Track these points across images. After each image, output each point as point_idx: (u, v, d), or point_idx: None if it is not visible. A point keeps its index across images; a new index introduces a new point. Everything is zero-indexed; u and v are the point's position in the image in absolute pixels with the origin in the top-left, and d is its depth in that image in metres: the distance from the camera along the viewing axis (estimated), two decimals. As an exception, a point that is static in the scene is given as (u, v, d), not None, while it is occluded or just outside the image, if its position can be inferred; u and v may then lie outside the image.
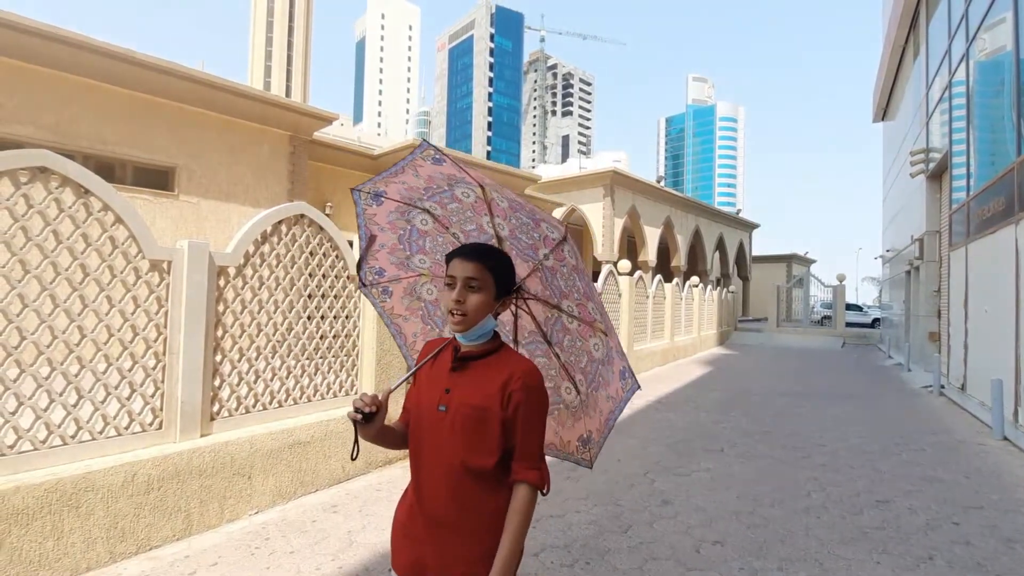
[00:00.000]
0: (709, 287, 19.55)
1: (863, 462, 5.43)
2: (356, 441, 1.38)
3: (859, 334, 23.10)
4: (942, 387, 9.88)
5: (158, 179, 10.14)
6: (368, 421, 1.36)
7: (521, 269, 1.64)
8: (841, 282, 22.63)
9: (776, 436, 6.46)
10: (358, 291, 4.75)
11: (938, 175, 11.81)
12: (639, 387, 1.61)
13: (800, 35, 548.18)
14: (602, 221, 21.40)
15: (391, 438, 1.48)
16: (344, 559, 3.18)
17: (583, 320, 1.64)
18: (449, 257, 1.42)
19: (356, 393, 4.77)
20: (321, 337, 4.44)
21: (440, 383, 1.42)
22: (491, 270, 1.39)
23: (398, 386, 1.51)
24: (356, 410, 1.35)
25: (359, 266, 1.78)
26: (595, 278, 10.31)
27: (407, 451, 1.48)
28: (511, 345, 1.65)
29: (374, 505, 3.97)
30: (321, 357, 4.42)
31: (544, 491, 1.38)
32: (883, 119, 19.92)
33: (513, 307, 1.73)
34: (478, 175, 1.51)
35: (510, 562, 1.29)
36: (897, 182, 16.91)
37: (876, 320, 27.68)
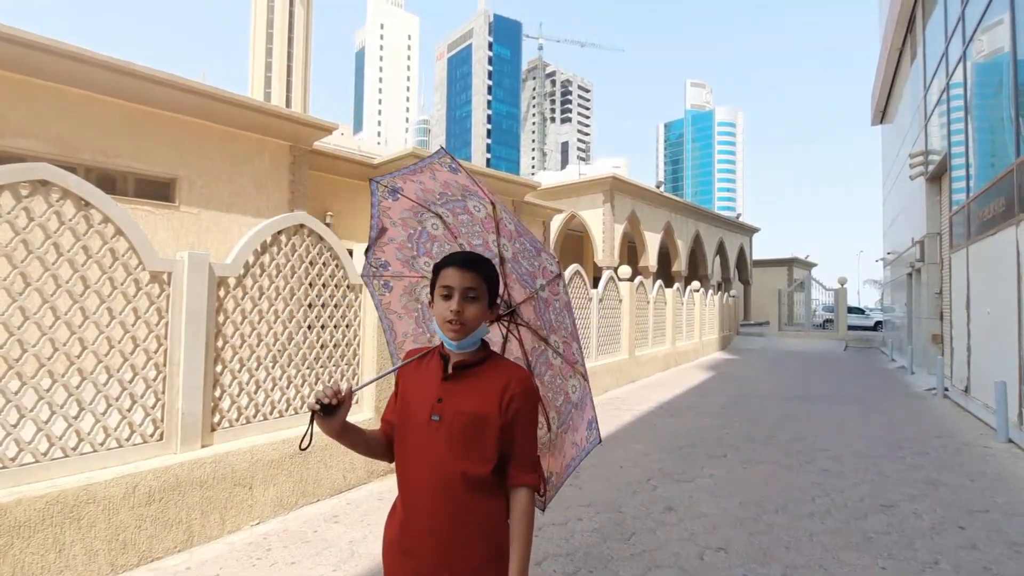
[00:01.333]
0: (710, 292, 19.53)
1: (867, 466, 5.40)
2: (310, 430, 1.36)
3: (861, 337, 23.08)
4: (945, 390, 9.84)
5: (159, 190, 10.19)
6: (328, 414, 1.34)
7: (518, 294, 1.64)
8: (843, 285, 22.61)
9: (779, 441, 6.43)
10: (358, 300, 4.76)
11: (938, 177, 11.82)
12: (600, 442, 1.62)
13: (798, 39, 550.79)
14: (602, 227, 21.41)
15: (357, 440, 1.47)
16: (346, 570, 3.17)
17: (566, 359, 1.63)
18: (440, 266, 1.39)
19: (357, 403, 4.77)
20: (321, 347, 4.44)
21: (430, 393, 1.38)
22: (486, 279, 1.39)
23: (366, 384, 1.61)
24: (316, 401, 1.34)
25: (367, 251, 1.76)
26: (595, 284, 10.33)
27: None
28: None
29: (375, 515, 3.96)
30: (321, 367, 4.42)
31: (540, 493, 1.42)
32: (882, 122, 19.96)
33: (504, 329, 1.72)
34: (489, 191, 1.51)
35: (524, 567, 1.32)
36: (897, 185, 16.92)
37: (878, 323, 27.65)
